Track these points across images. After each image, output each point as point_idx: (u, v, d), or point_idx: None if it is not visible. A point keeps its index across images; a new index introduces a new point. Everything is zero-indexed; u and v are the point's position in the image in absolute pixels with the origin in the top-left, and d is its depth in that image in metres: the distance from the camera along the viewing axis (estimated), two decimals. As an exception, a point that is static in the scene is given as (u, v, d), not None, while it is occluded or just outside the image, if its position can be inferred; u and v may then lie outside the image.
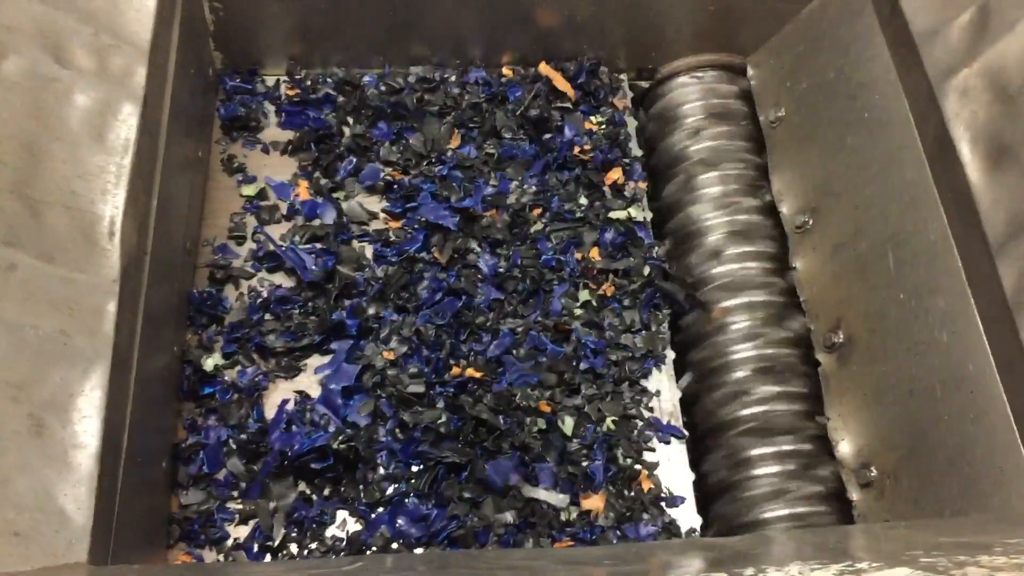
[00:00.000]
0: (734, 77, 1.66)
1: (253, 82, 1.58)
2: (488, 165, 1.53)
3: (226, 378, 1.33)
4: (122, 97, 1.10)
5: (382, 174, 1.51)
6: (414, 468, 1.29)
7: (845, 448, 1.32)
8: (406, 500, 1.27)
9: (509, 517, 1.26)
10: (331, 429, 1.28)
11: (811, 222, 1.44)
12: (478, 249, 1.45)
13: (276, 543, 1.24)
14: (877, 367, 1.28)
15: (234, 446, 1.27)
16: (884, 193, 1.31)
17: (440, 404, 1.31)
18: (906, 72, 1.29)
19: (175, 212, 1.25)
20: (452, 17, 1.54)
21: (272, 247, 1.42)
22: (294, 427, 1.29)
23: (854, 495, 1.29)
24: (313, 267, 1.39)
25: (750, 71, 1.64)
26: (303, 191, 1.48)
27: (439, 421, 1.28)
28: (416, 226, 1.46)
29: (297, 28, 1.53)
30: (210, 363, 1.32)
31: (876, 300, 1.29)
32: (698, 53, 1.65)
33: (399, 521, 1.25)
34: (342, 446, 1.25)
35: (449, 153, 1.53)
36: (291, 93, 1.57)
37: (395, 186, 1.50)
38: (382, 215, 1.50)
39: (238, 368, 1.34)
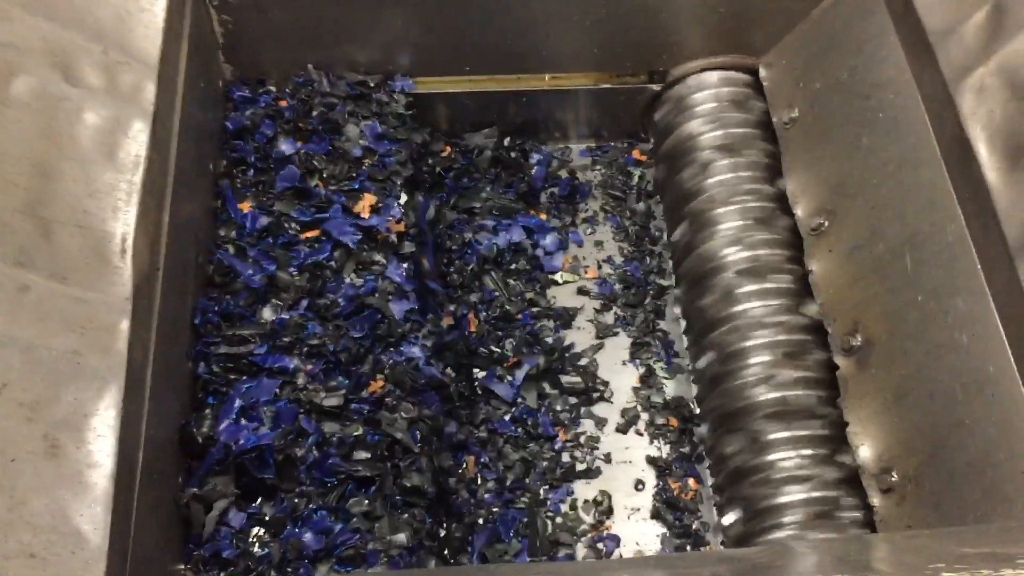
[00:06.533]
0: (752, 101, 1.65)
1: (259, 93, 1.55)
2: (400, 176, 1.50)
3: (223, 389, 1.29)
4: (132, 114, 1.11)
5: (298, 179, 1.46)
6: (328, 483, 1.25)
7: (865, 453, 1.30)
8: (314, 515, 1.23)
9: (403, 538, 1.22)
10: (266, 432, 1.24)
11: (827, 224, 1.43)
12: (383, 261, 1.41)
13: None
14: (896, 370, 1.27)
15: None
16: (900, 194, 1.29)
17: (356, 418, 1.28)
18: (921, 71, 1.28)
19: (187, 226, 1.25)
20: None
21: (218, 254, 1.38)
22: (243, 421, 1.24)
23: (875, 500, 1.27)
24: (250, 272, 1.36)
25: (762, 72, 1.63)
26: (245, 204, 1.45)
27: (356, 435, 1.26)
28: (324, 238, 1.42)
29: (306, 38, 1.52)
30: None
31: (894, 302, 1.28)
32: (709, 55, 1.64)
33: (305, 534, 1.21)
34: (280, 456, 1.22)
35: (366, 165, 1.49)
36: (283, 104, 1.54)
37: (311, 194, 1.46)
38: (294, 225, 1.44)
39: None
